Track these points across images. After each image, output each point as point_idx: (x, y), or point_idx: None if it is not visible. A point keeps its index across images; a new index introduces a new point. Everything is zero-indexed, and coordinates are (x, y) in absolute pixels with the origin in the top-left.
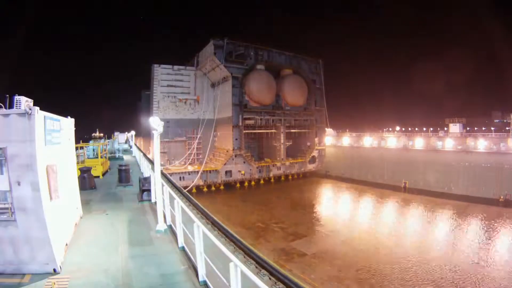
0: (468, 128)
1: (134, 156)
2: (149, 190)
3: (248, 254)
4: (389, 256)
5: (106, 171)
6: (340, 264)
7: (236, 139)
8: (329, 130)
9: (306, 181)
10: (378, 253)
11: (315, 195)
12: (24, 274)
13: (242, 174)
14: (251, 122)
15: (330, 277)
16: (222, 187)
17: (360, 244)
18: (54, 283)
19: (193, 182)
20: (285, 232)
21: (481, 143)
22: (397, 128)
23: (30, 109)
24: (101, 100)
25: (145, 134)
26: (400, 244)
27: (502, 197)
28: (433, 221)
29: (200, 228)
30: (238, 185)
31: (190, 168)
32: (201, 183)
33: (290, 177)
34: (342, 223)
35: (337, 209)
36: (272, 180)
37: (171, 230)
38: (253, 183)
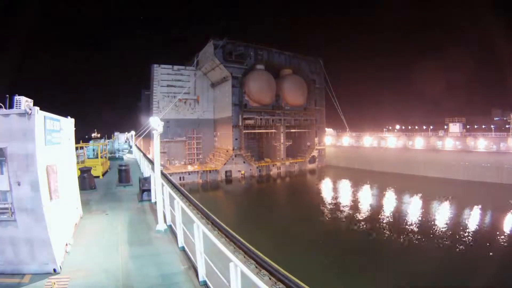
0: (468, 127)
1: (134, 158)
2: (149, 190)
3: (248, 254)
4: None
5: (106, 171)
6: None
7: (236, 139)
8: (329, 130)
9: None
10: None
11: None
12: (24, 274)
13: (242, 174)
14: (251, 122)
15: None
16: None
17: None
18: (54, 283)
19: (193, 182)
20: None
21: (481, 143)
22: (397, 127)
23: (30, 109)
24: (101, 100)
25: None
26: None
27: None
28: None
29: (200, 228)
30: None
31: (190, 168)
32: (201, 183)
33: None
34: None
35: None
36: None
37: (171, 230)
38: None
